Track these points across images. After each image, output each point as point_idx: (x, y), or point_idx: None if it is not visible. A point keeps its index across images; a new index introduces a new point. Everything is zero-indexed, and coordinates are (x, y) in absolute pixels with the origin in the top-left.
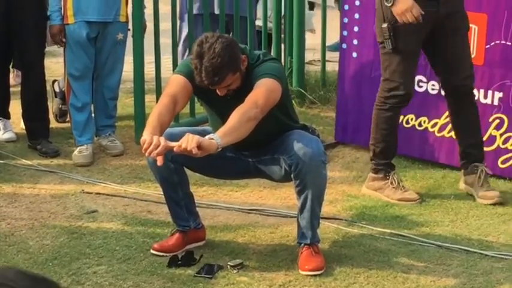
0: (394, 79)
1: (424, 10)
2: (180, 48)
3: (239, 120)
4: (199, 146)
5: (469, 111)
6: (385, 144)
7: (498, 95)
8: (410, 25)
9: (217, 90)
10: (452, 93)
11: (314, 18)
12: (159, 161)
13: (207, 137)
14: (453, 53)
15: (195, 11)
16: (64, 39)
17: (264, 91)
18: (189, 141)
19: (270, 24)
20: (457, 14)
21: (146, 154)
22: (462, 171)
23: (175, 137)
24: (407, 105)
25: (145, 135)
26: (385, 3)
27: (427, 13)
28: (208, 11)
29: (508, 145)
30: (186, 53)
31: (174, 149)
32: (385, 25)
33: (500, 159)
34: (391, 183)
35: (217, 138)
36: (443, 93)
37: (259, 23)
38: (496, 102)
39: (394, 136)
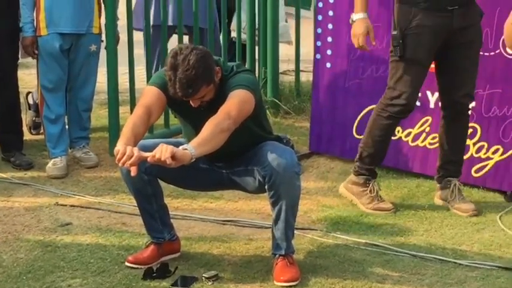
0: (398, 88)
1: (438, 22)
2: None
3: (212, 131)
4: (173, 157)
5: (460, 129)
6: (373, 151)
7: (471, 104)
8: (422, 35)
9: (190, 102)
10: (449, 106)
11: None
12: (133, 172)
13: (180, 147)
14: (461, 67)
15: (152, 22)
16: (37, 51)
17: (237, 102)
18: (163, 152)
19: (244, 36)
20: (471, 27)
21: (120, 164)
22: (437, 185)
23: (149, 149)
24: (406, 117)
25: (119, 146)
26: (350, 21)
27: (440, 25)
28: (166, 23)
29: (481, 154)
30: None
31: (148, 159)
32: (395, 32)
33: (473, 168)
34: (370, 191)
35: (191, 148)
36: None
37: (234, 34)
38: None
39: (385, 145)
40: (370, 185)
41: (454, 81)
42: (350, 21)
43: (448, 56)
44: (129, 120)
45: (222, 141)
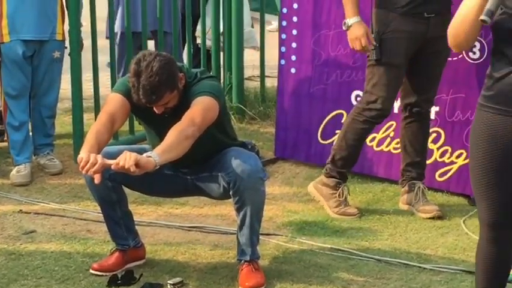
0: (374, 92)
1: (414, 28)
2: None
3: (176, 138)
4: (137, 164)
5: (421, 130)
6: (346, 154)
7: (434, 109)
8: (399, 39)
9: (154, 108)
10: (413, 111)
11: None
12: (97, 179)
13: (144, 154)
14: (429, 73)
15: (120, 29)
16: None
17: (201, 109)
18: (126, 159)
19: (209, 42)
20: (444, 37)
21: (83, 172)
22: (402, 189)
23: (113, 156)
24: (381, 122)
25: (82, 154)
26: (343, 27)
27: (416, 31)
28: (131, 30)
29: (445, 158)
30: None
31: (112, 166)
32: (372, 35)
33: (437, 173)
34: (339, 195)
35: (155, 156)
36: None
37: (199, 40)
38: (432, 116)
39: (358, 149)
40: (340, 189)
41: (419, 86)
42: (344, 27)
43: (418, 62)
44: (93, 128)
45: (186, 148)
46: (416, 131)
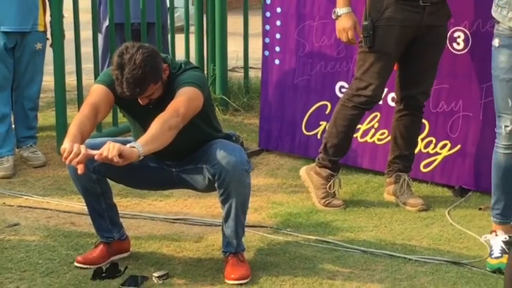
0: (365, 79)
1: (408, 16)
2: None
3: (160, 129)
4: (120, 154)
5: (413, 123)
6: (337, 141)
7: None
8: (392, 27)
9: (139, 100)
10: (405, 101)
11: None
12: (80, 170)
13: (128, 145)
14: (424, 65)
15: (107, 23)
16: None
17: (185, 99)
18: (110, 149)
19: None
20: (440, 28)
21: (67, 162)
22: (386, 180)
23: (97, 147)
24: (371, 108)
25: (66, 144)
26: (332, 15)
27: (410, 19)
28: (114, 21)
29: (429, 149)
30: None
31: (95, 157)
32: (366, 23)
33: (422, 164)
34: (329, 187)
35: (139, 146)
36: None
37: None
38: None
39: (348, 137)
40: (332, 181)
41: (414, 78)
42: (334, 16)
43: (413, 53)
44: (76, 119)
45: (170, 139)
46: (408, 125)
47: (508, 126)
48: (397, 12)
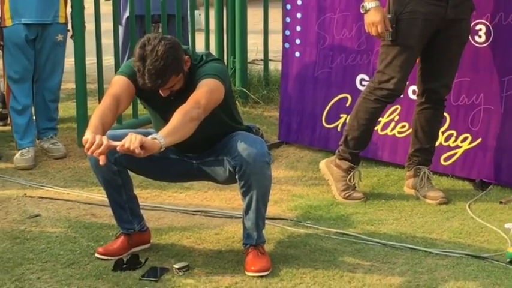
0: (387, 72)
1: (432, 10)
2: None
3: (182, 120)
4: (142, 146)
5: (435, 117)
6: (358, 134)
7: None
8: (415, 21)
9: (160, 91)
10: (427, 95)
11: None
12: (101, 161)
13: (150, 136)
14: (446, 59)
15: (128, 14)
16: (2, 42)
17: (206, 91)
18: (132, 141)
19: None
20: (463, 21)
21: (88, 153)
22: (406, 173)
23: (118, 138)
24: (393, 101)
25: (87, 135)
26: (361, 10)
27: (434, 13)
28: (134, 13)
29: (450, 143)
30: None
31: (117, 148)
32: (389, 16)
33: (442, 157)
34: (349, 179)
35: (161, 138)
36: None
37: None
38: None
39: (370, 129)
40: (352, 173)
41: (436, 71)
42: (362, 10)
43: (436, 46)
44: (97, 110)
45: (191, 130)
46: (430, 118)
47: None
48: (420, 6)
